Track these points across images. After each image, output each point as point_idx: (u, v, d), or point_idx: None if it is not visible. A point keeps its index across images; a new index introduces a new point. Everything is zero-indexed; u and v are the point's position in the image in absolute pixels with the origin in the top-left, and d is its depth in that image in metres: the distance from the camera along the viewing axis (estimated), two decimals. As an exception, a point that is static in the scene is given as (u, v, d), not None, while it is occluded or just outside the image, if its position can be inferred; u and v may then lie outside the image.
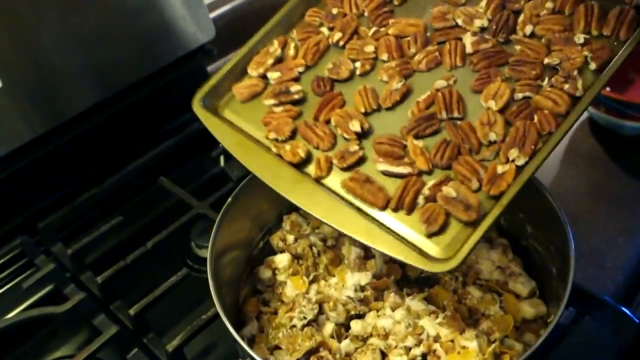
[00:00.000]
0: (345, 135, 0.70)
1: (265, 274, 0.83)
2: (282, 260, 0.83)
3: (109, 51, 1.04)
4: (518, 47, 0.69)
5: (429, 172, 0.67)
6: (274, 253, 0.86)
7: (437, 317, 0.73)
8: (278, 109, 0.74)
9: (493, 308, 0.76)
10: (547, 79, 0.67)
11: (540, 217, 0.78)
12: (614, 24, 0.67)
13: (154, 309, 0.86)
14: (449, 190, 0.64)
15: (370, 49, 0.76)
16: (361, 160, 0.69)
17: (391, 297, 0.77)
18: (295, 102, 0.75)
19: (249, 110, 0.77)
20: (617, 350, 0.75)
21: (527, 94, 0.66)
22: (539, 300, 0.77)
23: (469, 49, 0.71)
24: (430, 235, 0.63)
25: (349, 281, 0.79)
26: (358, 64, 0.75)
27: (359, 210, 0.67)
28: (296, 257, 0.85)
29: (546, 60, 0.68)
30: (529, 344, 0.73)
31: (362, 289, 0.79)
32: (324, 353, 0.73)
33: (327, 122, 0.73)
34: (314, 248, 0.84)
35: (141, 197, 1.10)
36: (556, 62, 0.66)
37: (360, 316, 0.77)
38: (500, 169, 0.64)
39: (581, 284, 0.76)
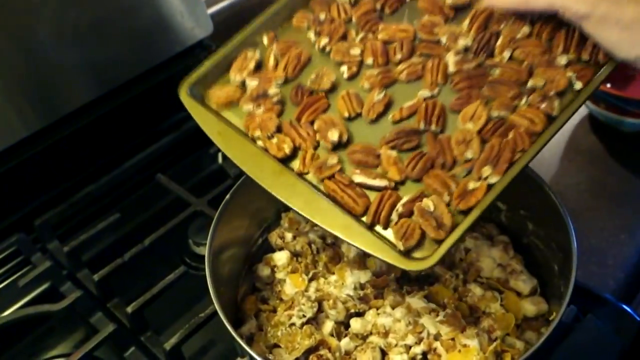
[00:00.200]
0: (323, 143, 0.70)
1: (264, 271, 0.83)
2: (281, 257, 0.83)
3: (105, 47, 1.03)
4: (497, 71, 0.69)
5: (402, 182, 0.66)
6: (273, 250, 0.86)
7: (437, 315, 0.73)
8: (259, 111, 0.73)
9: (494, 306, 0.76)
10: (525, 98, 0.67)
11: (541, 214, 0.78)
12: (591, 48, 0.67)
13: (152, 307, 0.86)
14: (427, 203, 0.64)
15: (356, 51, 0.75)
16: (339, 172, 0.68)
17: (391, 295, 0.76)
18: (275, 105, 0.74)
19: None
20: (619, 349, 0.74)
21: (503, 113, 0.67)
22: (540, 298, 0.77)
23: (451, 68, 0.70)
24: (408, 250, 0.63)
25: (349, 279, 0.79)
26: (345, 68, 0.74)
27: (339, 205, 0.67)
28: (295, 255, 0.84)
29: (530, 83, 0.67)
30: (530, 342, 0.73)
31: (362, 286, 0.78)
32: (323, 351, 0.72)
33: (312, 122, 0.72)
34: (313, 245, 0.84)
35: (138, 194, 1.09)
36: (541, 84, 0.67)
37: (360, 314, 0.77)
38: (471, 185, 0.64)
39: (582, 282, 0.76)
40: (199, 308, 0.82)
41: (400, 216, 0.64)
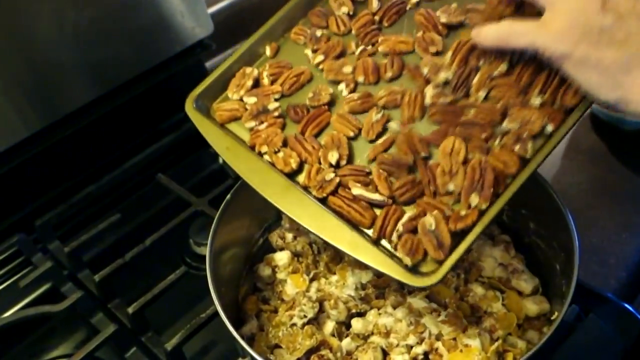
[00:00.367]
0: (322, 161, 0.70)
1: (265, 271, 0.83)
2: (282, 258, 0.83)
3: (106, 47, 1.03)
4: (472, 111, 0.68)
5: (392, 197, 0.67)
6: (274, 250, 0.85)
7: (439, 315, 0.73)
8: (262, 126, 0.74)
9: (496, 305, 0.75)
10: (498, 138, 0.67)
11: (543, 213, 0.78)
12: (563, 92, 0.66)
13: (153, 308, 0.86)
14: (430, 220, 0.64)
15: (348, 69, 0.75)
16: (339, 186, 0.69)
17: (392, 295, 0.76)
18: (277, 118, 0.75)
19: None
20: (621, 348, 0.74)
21: (477, 156, 0.66)
22: (542, 297, 0.77)
23: (428, 101, 0.70)
24: (415, 264, 0.63)
25: (350, 279, 0.79)
26: (343, 86, 0.74)
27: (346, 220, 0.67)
28: (296, 255, 0.84)
29: (505, 124, 0.67)
30: (532, 342, 0.73)
31: (363, 286, 0.79)
32: (324, 352, 0.72)
33: (316, 135, 0.73)
34: (313, 245, 0.84)
35: (139, 194, 1.10)
36: (516, 127, 0.66)
37: (361, 314, 0.77)
38: (463, 212, 0.64)
39: (584, 281, 0.75)
40: (200, 308, 0.82)
41: (400, 236, 0.65)
